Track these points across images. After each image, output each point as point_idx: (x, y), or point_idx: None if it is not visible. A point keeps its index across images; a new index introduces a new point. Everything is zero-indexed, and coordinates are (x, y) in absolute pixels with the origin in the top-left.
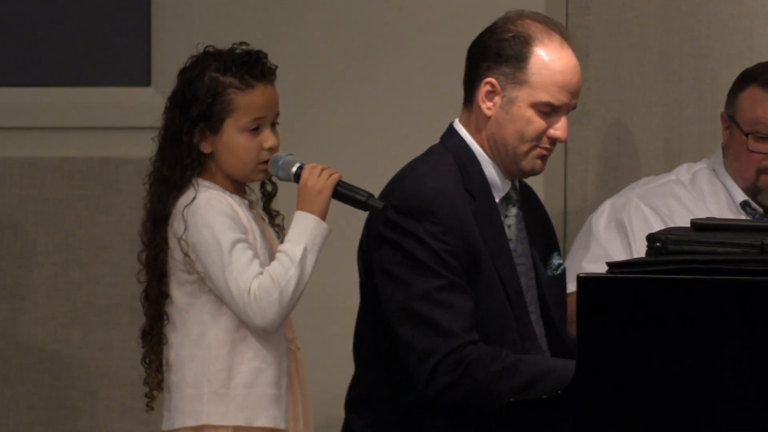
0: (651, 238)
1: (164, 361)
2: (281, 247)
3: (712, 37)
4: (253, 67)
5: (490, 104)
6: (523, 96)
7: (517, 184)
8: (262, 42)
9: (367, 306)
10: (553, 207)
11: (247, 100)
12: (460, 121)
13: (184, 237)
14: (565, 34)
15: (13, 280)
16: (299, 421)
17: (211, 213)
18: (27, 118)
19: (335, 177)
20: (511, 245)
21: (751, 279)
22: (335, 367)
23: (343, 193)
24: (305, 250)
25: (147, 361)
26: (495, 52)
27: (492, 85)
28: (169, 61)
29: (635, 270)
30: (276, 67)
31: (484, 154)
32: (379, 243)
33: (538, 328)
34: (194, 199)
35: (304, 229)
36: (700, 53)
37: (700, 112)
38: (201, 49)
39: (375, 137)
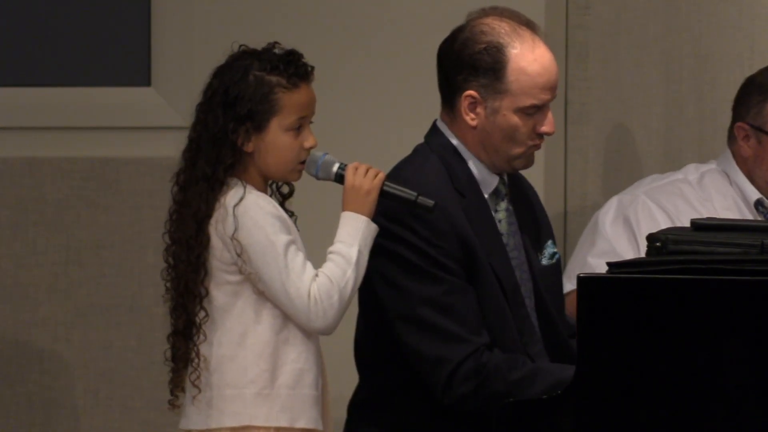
0: (651, 238)
1: (201, 360)
2: (333, 248)
3: (712, 37)
4: (298, 66)
5: (473, 115)
6: (506, 104)
7: (505, 177)
8: (262, 42)
9: (366, 313)
10: (553, 207)
11: (294, 100)
12: (442, 119)
13: (235, 236)
14: (533, 27)
15: (13, 280)
16: (329, 421)
17: (261, 214)
18: (27, 118)
19: (381, 176)
20: (503, 239)
21: (751, 279)
22: (337, 366)
23: (391, 192)
24: (360, 252)
25: (183, 360)
26: (470, 65)
27: (473, 97)
28: (169, 61)
29: (635, 270)
30: (313, 67)
31: (469, 152)
32: (374, 250)
33: (533, 320)
34: (242, 198)
35: (356, 231)
36: (700, 53)
37: (700, 112)
38: (236, 48)
39: (377, 135)
